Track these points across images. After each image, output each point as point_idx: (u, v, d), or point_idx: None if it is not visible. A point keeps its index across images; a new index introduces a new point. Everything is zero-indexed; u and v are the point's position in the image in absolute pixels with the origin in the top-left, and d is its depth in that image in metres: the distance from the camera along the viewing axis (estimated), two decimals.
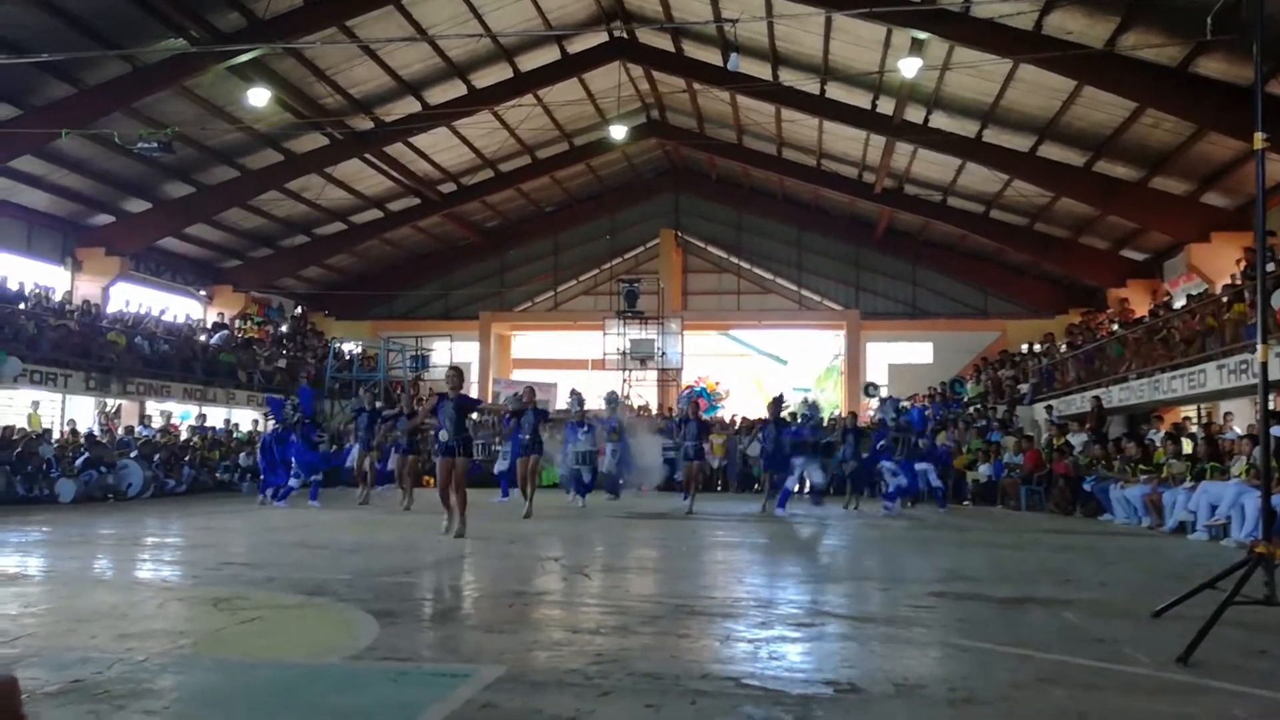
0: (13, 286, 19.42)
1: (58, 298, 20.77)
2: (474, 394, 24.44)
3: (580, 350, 30.08)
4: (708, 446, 19.64)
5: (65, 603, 6.11)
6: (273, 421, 16.50)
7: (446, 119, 22.03)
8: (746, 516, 14.19)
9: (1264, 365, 5.53)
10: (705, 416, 24.58)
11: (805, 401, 17.81)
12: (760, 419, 16.35)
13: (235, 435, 21.72)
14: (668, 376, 28.85)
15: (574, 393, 17.02)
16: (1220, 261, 17.56)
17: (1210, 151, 17.01)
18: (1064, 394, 20.40)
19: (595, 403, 19.12)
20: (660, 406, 26.89)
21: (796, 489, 15.96)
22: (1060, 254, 24.39)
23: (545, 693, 3.88)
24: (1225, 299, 15.10)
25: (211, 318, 26.09)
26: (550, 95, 22.54)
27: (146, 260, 23.94)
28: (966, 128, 19.70)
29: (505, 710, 3.64)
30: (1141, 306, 21.41)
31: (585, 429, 16.35)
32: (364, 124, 21.66)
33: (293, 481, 14.91)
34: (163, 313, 23.68)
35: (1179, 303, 18.56)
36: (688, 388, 26.87)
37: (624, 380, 27.57)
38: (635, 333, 28.34)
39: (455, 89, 21.51)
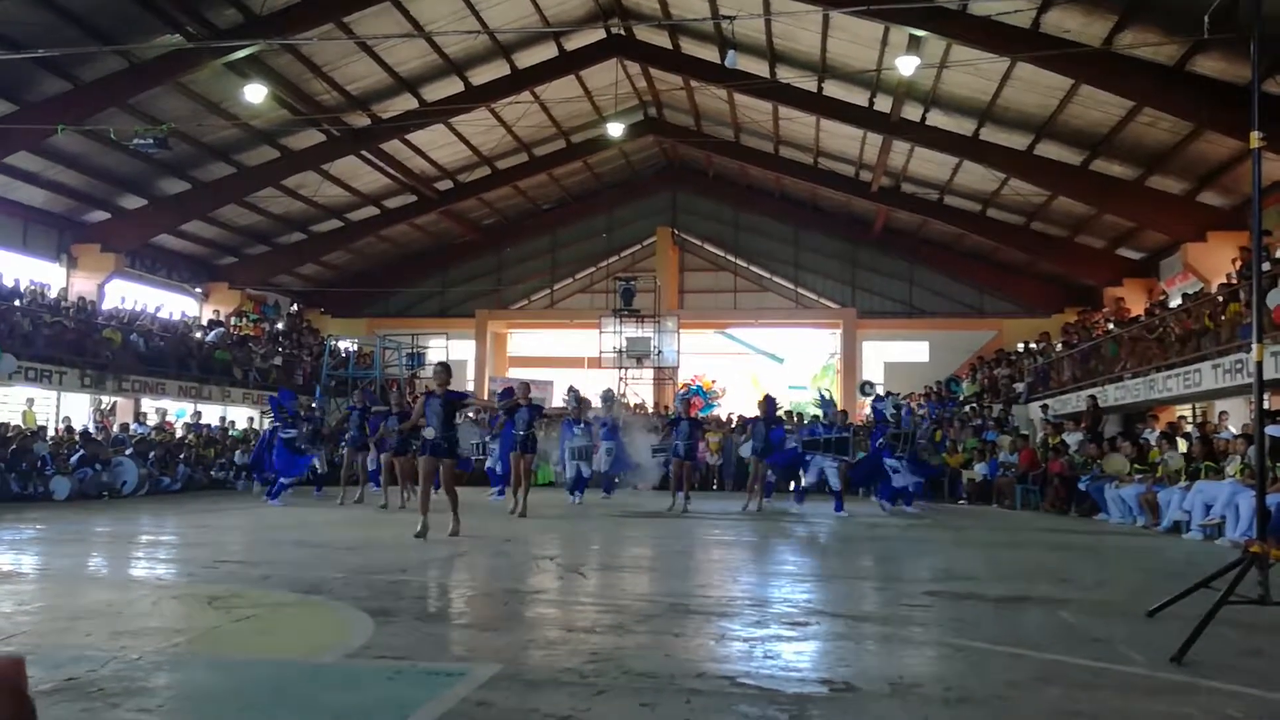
0: (8, 283, 19.37)
1: (53, 295, 20.72)
2: (470, 391, 24.41)
3: (577, 348, 30.06)
4: (703, 445, 19.68)
5: (60, 601, 6.10)
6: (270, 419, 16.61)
7: (444, 116, 22.01)
8: (741, 515, 14.18)
9: (1259, 364, 5.54)
10: (702, 415, 24.70)
11: (820, 399, 17.71)
12: (751, 417, 16.29)
13: (230, 433, 21.69)
14: (664, 375, 28.86)
15: (571, 390, 17.01)
16: (1216, 261, 17.58)
17: (1207, 150, 17.03)
18: (1059, 393, 20.42)
19: (592, 401, 19.09)
20: (657, 405, 26.88)
21: (793, 486, 15.95)
22: (1057, 253, 24.42)
23: (541, 691, 3.88)
24: (1221, 298, 15.12)
25: (207, 315, 26.06)
26: (547, 92, 22.52)
27: (142, 257, 23.90)
28: (964, 126, 19.70)
29: (500, 708, 3.64)
30: (1137, 305, 21.43)
31: (581, 426, 16.35)
32: (361, 121, 21.62)
33: (283, 479, 15.16)
34: (158, 310, 23.63)
35: (1175, 302, 18.59)
36: (684, 386, 26.85)
37: (620, 379, 27.56)
38: (632, 331, 28.33)
39: (452, 86, 21.48)
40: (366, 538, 10.23)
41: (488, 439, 17.64)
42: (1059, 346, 22.78)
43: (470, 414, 20.50)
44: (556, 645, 4.81)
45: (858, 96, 20.39)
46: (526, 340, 32.55)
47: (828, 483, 14.85)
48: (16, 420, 18.07)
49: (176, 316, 24.56)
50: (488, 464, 17.46)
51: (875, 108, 20.30)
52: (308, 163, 22.52)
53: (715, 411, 27.44)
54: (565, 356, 30.59)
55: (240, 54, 17.09)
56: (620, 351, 28.20)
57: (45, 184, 20.27)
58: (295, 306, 29.61)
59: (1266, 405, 12.39)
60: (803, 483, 15.29)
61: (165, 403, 22.45)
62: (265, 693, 3.91)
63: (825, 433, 15.17)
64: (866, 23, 16.72)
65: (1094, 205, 20.74)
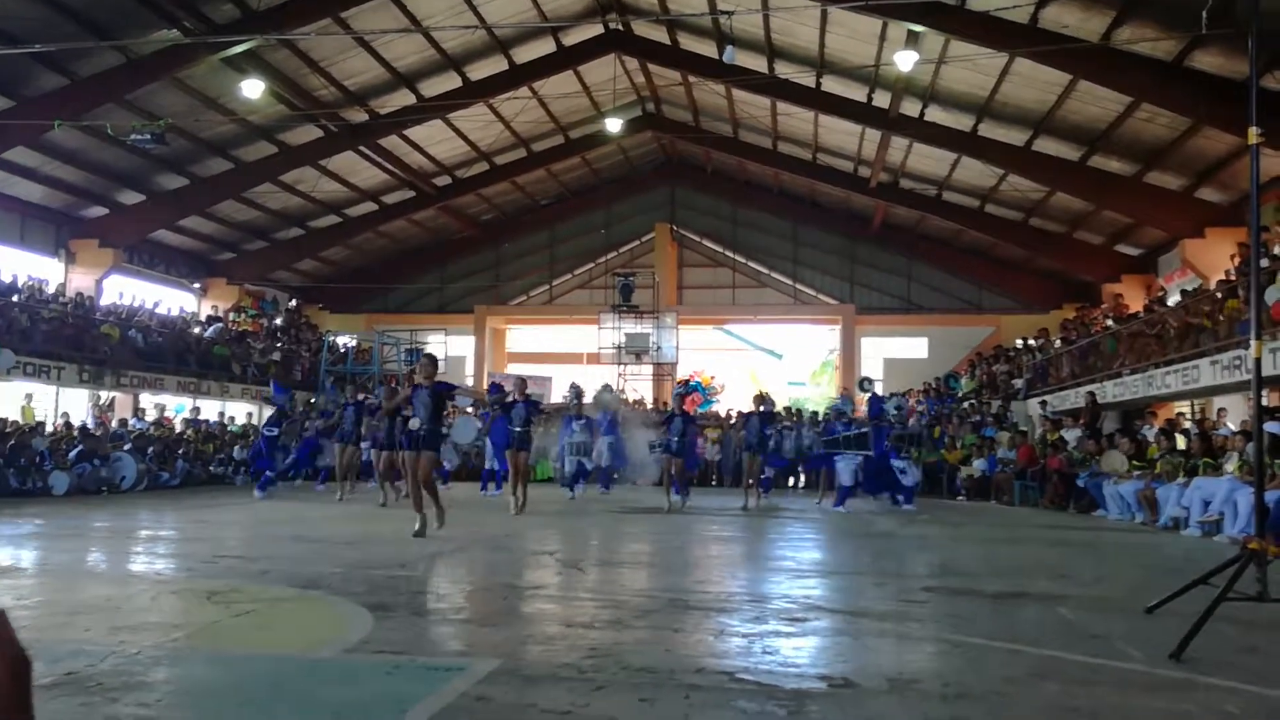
0: (6, 279, 19.35)
1: (51, 290, 20.69)
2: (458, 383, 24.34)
3: (575, 344, 30.06)
4: (702, 441, 19.68)
5: (59, 595, 6.10)
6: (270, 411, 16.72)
7: (441, 111, 21.97)
8: (739, 512, 14.17)
9: (1258, 361, 5.54)
10: (700, 411, 24.72)
11: (840, 398, 17.68)
12: (747, 412, 16.24)
13: (229, 428, 21.68)
14: (663, 371, 28.86)
15: (573, 386, 17.01)
16: (1214, 257, 17.58)
17: (1205, 146, 17.02)
18: (1058, 389, 20.43)
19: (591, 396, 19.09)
20: (656, 401, 26.88)
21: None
22: (1055, 249, 24.42)
23: (539, 686, 3.88)
24: (1220, 294, 15.13)
25: (205, 310, 26.03)
26: (545, 88, 22.49)
27: (140, 253, 23.87)
28: (962, 122, 19.69)
29: (499, 703, 3.64)
30: (1136, 302, 21.44)
31: (581, 422, 16.34)
32: (358, 116, 21.59)
33: (269, 473, 15.64)
34: (156, 305, 23.60)
35: (1173, 298, 18.59)
36: (681, 382, 26.86)
37: (619, 374, 27.56)
38: (630, 327, 28.32)
39: (450, 81, 21.44)
40: (365, 533, 10.23)
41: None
42: (1057, 343, 22.79)
43: (470, 407, 20.47)
44: (555, 640, 4.81)
45: (856, 92, 20.37)
46: (525, 336, 32.54)
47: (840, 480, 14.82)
48: (15, 415, 18.04)
49: (175, 312, 24.52)
50: (487, 464, 17.41)
51: (874, 103, 20.29)
52: (306, 158, 22.49)
53: (714, 408, 27.45)
54: (564, 352, 30.59)
55: (237, 49, 17.05)
56: (619, 347, 28.19)
57: (43, 179, 20.23)
58: (294, 302, 29.58)
59: (1265, 402, 12.40)
60: (844, 482, 15.07)
61: (164, 398, 22.44)
62: (263, 688, 3.91)
63: (845, 430, 15.17)
64: (865, 18, 16.70)
65: (1092, 201, 20.74)
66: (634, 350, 28.31)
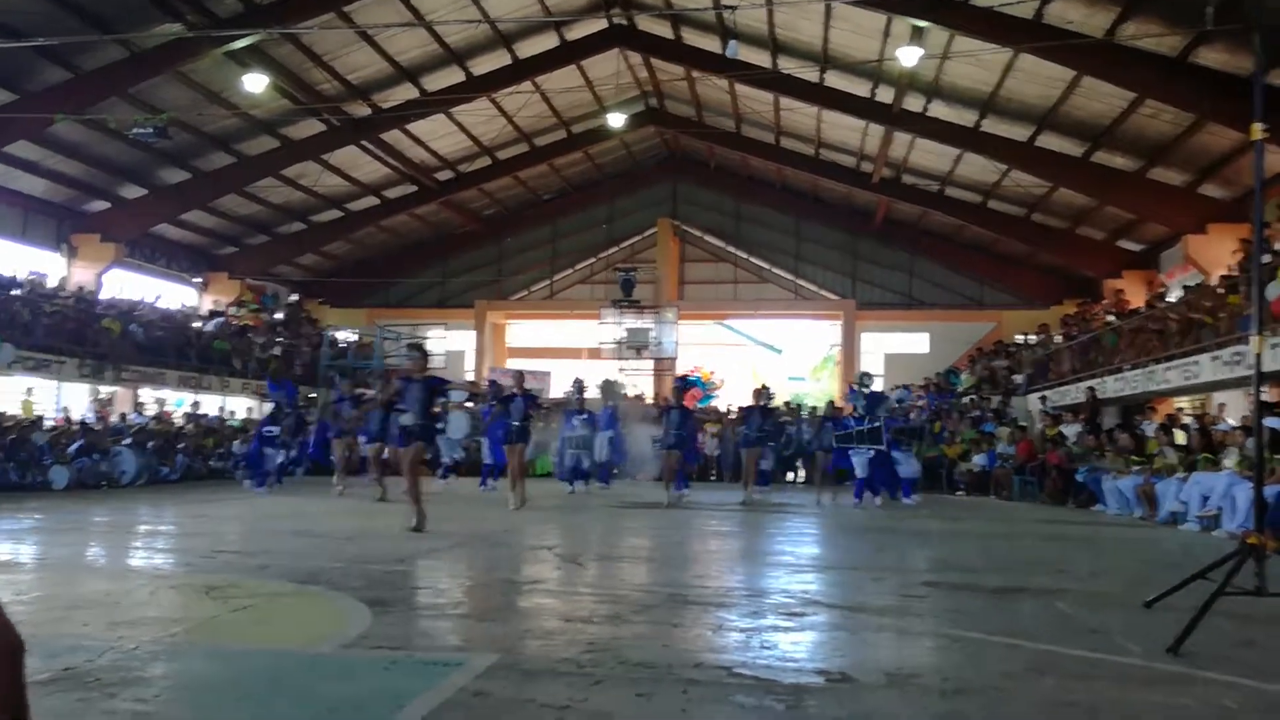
0: (7, 273, 19.35)
1: (53, 284, 20.68)
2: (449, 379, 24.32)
3: (576, 339, 30.04)
4: (702, 435, 19.67)
5: (57, 590, 6.11)
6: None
7: (444, 106, 21.95)
8: (738, 506, 14.15)
9: (1258, 356, 5.54)
10: (700, 405, 24.71)
11: (852, 391, 17.62)
12: (746, 406, 16.20)
13: (228, 423, 21.68)
14: (663, 366, 28.85)
15: (576, 381, 17.01)
16: (1217, 253, 17.55)
17: (1208, 142, 16.99)
18: (1059, 385, 20.41)
19: (594, 391, 19.10)
20: (656, 396, 26.87)
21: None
22: (1057, 244, 24.39)
23: (538, 681, 3.88)
24: (1222, 290, 15.11)
25: (207, 305, 26.03)
26: (548, 82, 22.45)
27: (142, 247, 23.86)
28: (965, 117, 19.66)
29: (497, 699, 3.64)
30: (1137, 297, 21.41)
31: (582, 417, 16.33)
32: (361, 110, 21.57)
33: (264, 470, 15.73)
34: (157, 299, 23.59)
35: (1175, 294, 18.57)
36: (680, 376, 26.86)
37: (620, 369, 27.57)
38: (631, 322, 28.30)
39: (453, 76, 21.41)
40: (363, 528, 10.24)
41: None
42: (1059, 338, 22.77)
43: (469, 402, 20.50)
44: (554, 635, 4.82)
45: (860, 87, 20.33)
46: (526, 331, 32.51)
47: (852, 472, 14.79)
48: (15, 410, 18.05)
49: (176, 306, 24.52)
50: (486, 459, 17.40)
51: (877, 99, 20.25)
52: (308, 152, 22.48)
53: (714, 403, 27.45)
54: (565, 347, 30.58)
55: (240, 43, 17.05)
56: (620, 343, 28.17)
57: (45, 173, 20.22)
58: (295, 297, 29.57)
59: (1265, 397, 12.38)
60: (858, 475, 15.06)
61: (164, 393, 22.43)
62: (262, 683, 3.92)
63: (857, 425, 15.17)
64: (869, 13, 16.68)
65: (1095, 197, 20.70)
66: (635, 345, 28.29)
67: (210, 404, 22.82)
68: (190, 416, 21.14)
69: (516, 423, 13.13)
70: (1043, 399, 20.57)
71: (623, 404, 18.97)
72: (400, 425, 9.67)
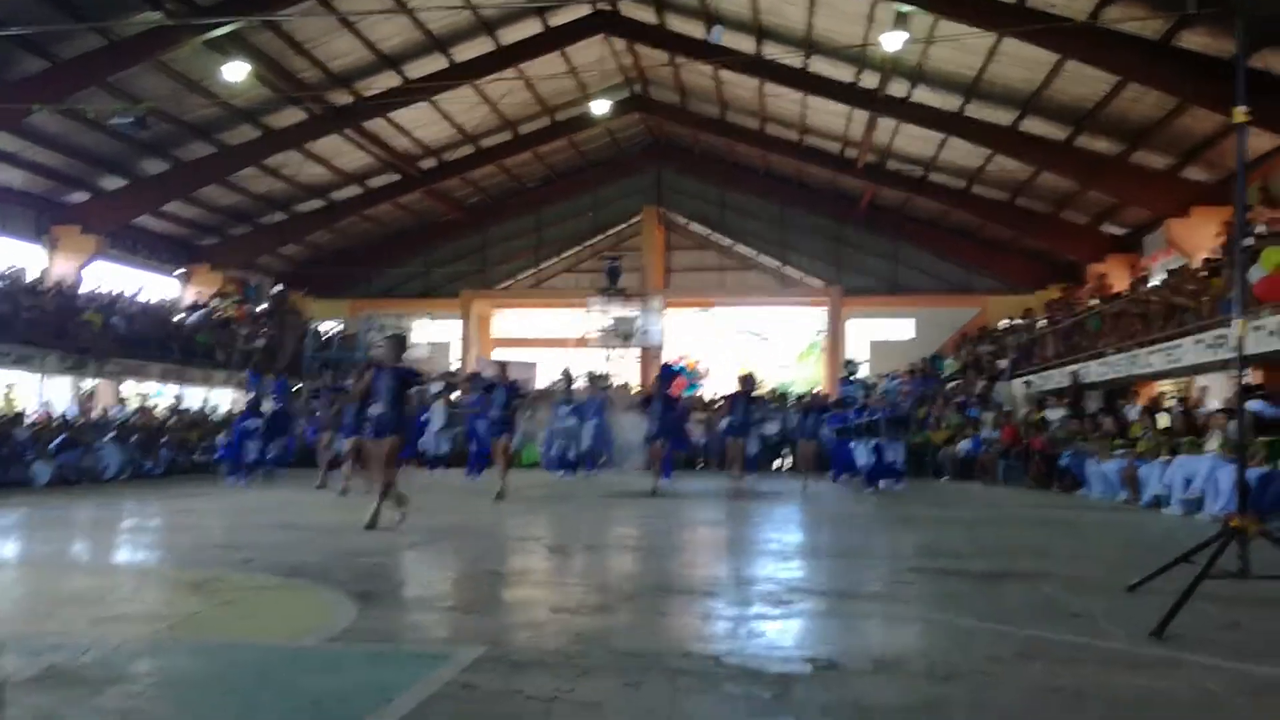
0: None
1: (33, 277, 20.48)
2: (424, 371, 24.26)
3: (562, 329, 29.97)
4: (689, 424, 19.69)
5: (41, 587, 6.07)
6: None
7: (427, 94, 21.80)
8: (724, 494, 14.15)
9: (1240, 340, 5.56)
10: (686, 394, 24.70)
11: (850, 380, 17.66)
12: (731, 393, 16.17)
13: (209, 416, 21.55)
14: (650, 355, 28.84)
15: (565, 372, 16.98)
16: (1199, 236, 17.62)
17: (1191, 126, 17.03)
18: (1042, 369, 20.51)
19: (582, 381, 19.12)
20: (643, 385, 26.87)
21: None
22: (1041, 229, 24.44)
23: (525, 672, 3.88)
24: (1205, 273, 15.18)
25: (189, 297, 25.84)
26: (532, 69, 22.32)
27: (123, 238, 23.61)
28: (949, 102, 19.66)
29: (485, 691, 3.63)
30: (1121, 281, 21.50)
31: (569, 407, 16.30)
32: (343, 98, 21.41)
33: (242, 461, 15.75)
34: (138, 292, 23.38)
35: (1158, 278, 18.66)
36: (665, 365, 26.84)
37: (607, 358, 27.54)
38: (618, 310, 28.26)
39: (435, 63, 21.26)
40: (348, 521, 10.17)
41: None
42: (1043, 323, 22.86)
43: (453, 394, 20.44)
44: (541, 626, 4.81)
45: (844, 73, 20.31)
46: (512, 320, 32.41)
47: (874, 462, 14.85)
48: None
49: (158, 299, 24.33)
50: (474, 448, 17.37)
51: (861, 84, 20.22)
52: (289, 141, 22.29)
53: (700, 391, 27.45)
54: (551, 337, 30.51)
55: (220, 31, 16.85)
56: (606, 331, 28.14)
57: (24, 164, 19.97)
58: (280, 287, 29.37)
59: (1247, 380, 12.46)
60: (859, 464, 15.14)
61: (147, 386, 22.28)
62: (247, 677, 3.90)
63: (856, 418, 15.19)
64: None
65: (1078, 181, 20.75)
66: (621, 334, 28.27)
67: (194, 397, 22.66)
68: (174, 410, 21.00)
69: (499, 413, 12.91)
70: (1027, 384, 20.66)
71: (611, 394, 18.98)
72: (370, 417, 9.30)
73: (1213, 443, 11.73)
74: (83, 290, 21.56)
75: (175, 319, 23.28)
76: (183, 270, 26.15)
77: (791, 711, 3.47)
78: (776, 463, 21.04)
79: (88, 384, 20.89)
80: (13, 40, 15.52)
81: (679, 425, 16.05)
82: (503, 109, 24.00)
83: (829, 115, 22.67)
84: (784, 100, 22.65)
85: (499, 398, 12.94)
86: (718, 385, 27.41)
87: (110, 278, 23.08)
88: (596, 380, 18.65)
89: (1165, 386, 18.15)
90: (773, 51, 20.15)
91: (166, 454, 18.23)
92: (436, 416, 17.29)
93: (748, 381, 15.60)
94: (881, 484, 15.17)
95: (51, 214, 21.64)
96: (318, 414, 15.78)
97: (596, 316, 28.41)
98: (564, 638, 4.50)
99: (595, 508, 12.36)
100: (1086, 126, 18.61)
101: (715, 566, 7.24)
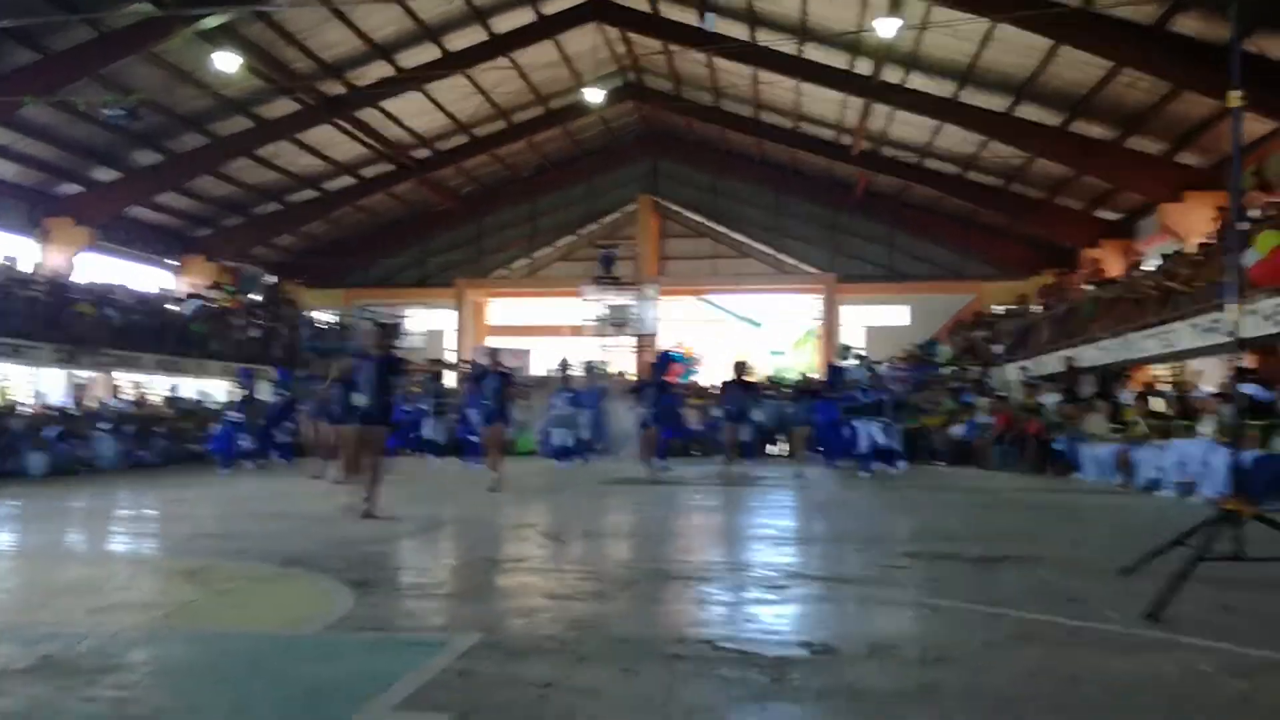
0: None
1: (25, 269, 20.39)
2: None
3: (557, 317, 29.95)
4: (684, 411, 19.69)
5: (36, 577, 6.06)
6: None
7: (419, 83, 21.72)
8: (719, 480, 14.16)
9: (1235, 324, 5.57)
10: (681, 381, 24.69)
11: (853, 363, 17.65)
12: (726, 380, 16.16)
13: (205, 406, 21.51)
14: (645, 343, 28.83)
15: (562, 360, 16.96)
16: (1193, 220, 17.62)
17: (1185, 110, 17.01)
18: (1037, 355, 20.53)
19: (578, 369, 19.11)
20: (639, 372, 26.86)
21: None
22: (1035, 215, 24.42)
23: (522, 659, 3.88)
24: (1200, 258, 15.19)
25: (183, 288, 25.75)
26: (525, 58, 22.25)
27: (116, 230, 23.51)
28: (944, 88, 19.63)
29: (482, 677, 3.63)
30: (1115, 266, 21.52)
31: (567, 395, 16.29)
32: (336, 89, 21.31)
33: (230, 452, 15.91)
34: (132, 284, 23.29)
35: (1152, 263, 18.67)
36: (661, 352, 26.84)
37: (603, 346, 27.53)
38: (613, 299, 28.24)
39: (428, 52, 21.16)
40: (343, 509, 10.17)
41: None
42: (1039, 308, 22.88)
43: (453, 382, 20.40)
44: (537, 613, 4.81)
45: (838, 60, 20.25)
46: (507, 309, 32.39)
47: (876, 445, 14.85)
48: None
49: (151, 290, 24.25)
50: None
51: (856, 71, 20.18)
52: (282, 132, 22.21)
53: (695, 378, 27.45)
54: (546, 325, 30.48)
55: (211, 22, 16.75)
56: (602, 320, 28.13)
57: (16, 156, 19.87)
58: (274, 279, 29.30)
59: (1241, 364, 12.49)
60: (861, 448, 15.18)
61: (142, 377, 22.22)
62: (242, 666, 3.89)
63: (864, 398, 15.21)
64: None
65: (1072, 167, 20.74)
66: (616, 322, 28.26)
67: (189, 388, 22.64)
68: (169, 400, 20.97)
69: (490, 401, 12.67)
70: (1022, 369, 20.70)
71: (609, 384, 18.99)
72: (353, 405, 9.05)
73: (1206, 427, 11.76)
74: (76, 282, 21.47)
75: (169, 309, 23.20)
76: (176, 261, 26.07)
77: (788, 696, 3.48)
78: (772, 449, 21.07)
79: (82, 375, 20.83)
80: (3, 32, 15.42)
81: (672, 412, 16.04)
82: (496, 98, 23.90)
83: (823, 102, 22.62)
84: (778, 87, 22.59)
85: (490, 385, 12.69)
86: (713, 373, 27.39)
87: (104, 269, 23.00)
88: (594, 369, 18.60)
89: (1159, 371, 18.19)
90: (766, 38, 20.09)
91: (162, 444, 18.21)
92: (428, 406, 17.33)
93: (741, 368, 15.60)
94: (880, 466, 15.20)
95: (44, 206, 21.54)
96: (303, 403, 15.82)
97: (592, 305, 28.37)
98: (560, 624, 4.50)
99: (591, 495, 12.37)
100: (1081, 112, 18.60)
101: (710, 552, 7.25)
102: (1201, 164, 18.26)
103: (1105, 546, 7.30)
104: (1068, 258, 25.11)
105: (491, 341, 28.72)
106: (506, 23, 21.20)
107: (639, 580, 5.77)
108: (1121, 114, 18.14)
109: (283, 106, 21.53)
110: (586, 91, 22.76)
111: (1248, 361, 13.01)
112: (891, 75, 19.82)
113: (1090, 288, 20.36)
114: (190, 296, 24.67)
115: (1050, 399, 17.55)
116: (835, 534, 8.51)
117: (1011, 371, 21.45)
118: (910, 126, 22.30)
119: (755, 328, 30.90)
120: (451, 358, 27.66)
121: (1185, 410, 12.91)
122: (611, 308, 28.17)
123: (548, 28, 21.75)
